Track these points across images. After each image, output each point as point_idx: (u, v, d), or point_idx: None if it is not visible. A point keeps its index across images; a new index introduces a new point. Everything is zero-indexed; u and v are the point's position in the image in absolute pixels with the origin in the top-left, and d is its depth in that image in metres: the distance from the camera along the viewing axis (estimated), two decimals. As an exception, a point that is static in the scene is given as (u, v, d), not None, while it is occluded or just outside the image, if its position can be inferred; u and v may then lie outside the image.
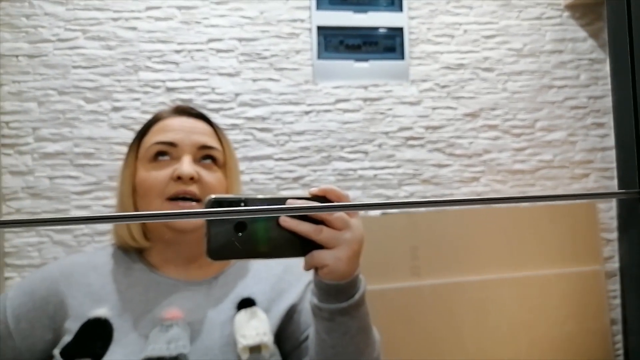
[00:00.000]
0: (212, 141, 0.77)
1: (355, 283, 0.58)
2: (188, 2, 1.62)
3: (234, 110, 1.63)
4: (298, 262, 0.56)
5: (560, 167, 1.80)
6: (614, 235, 1.80)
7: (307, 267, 0.56)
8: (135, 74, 1.59)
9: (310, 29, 1.68)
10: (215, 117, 1.57)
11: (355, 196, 1.66)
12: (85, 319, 0.66)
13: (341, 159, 1.67)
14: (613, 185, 1.82)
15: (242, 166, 1.61)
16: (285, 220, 0.52)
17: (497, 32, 1.79)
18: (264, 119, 1.64)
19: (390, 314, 1.57)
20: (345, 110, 1.69)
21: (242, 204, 0.51)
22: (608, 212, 1.80)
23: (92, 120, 1.56)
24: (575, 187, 1.81)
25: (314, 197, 0.55)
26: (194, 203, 0.70)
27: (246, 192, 1.60)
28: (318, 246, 0.54)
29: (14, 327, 0.67)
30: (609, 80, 1.95)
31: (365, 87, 1.71)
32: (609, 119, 1.83)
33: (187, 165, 0.71)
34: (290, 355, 0.72)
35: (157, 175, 0.71)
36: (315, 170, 1.66)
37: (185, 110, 0.79)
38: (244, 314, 0.69)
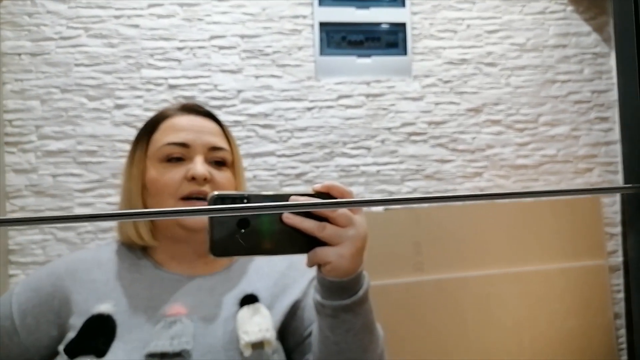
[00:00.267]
0: (222, 142, 0.77)
1: (359, 280, 0.58)
2: (190, -2, 1.62)
3: (236, 107, 1.63)
4: (301, 258, 0.56)
5: (564, 162, 1.79)
6: (618, 229, 1.80)
7: (310, 264, 0.56)
8: (137, 71, 1.58)
9: (312, 25, 1.68)
10: (217, 114, 1.57)
11: (358, 192, 1.66)
12: (89, 315, 0.67)
13: (344, 155, 1.67)
14: (617, 179, 1.81)
15: (245, 163, 1.61)
16: (289, 217, 0.52)
17: (500, 27, 1.78)
18: (266, 115, 1.64)
19: (393, 310, 1.58)
20: (348, 106, 1.69)
21: (245, 201, 0.51)
22: (612, 206, 1.80)
23: (94, 118, 1.56)
24: (579, 182, 1.80)
25: (317, 194, 0.55)
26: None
27: (249, 188, 1.60)
28: (321, 243, 0.54)
29: (19, 322, 0.67)
30: (612, 74, 1.94)
31: (368, 83, 1.70)
32: (612, 113, 1.83)
33: (200, 166, 0.72)
34: (294, 351, 0.72)
35: (171, 175, 0.72)
36: (318, 167, 1.65)
37: (193, 108, 0.79)
38: (246, 310, 0.69)
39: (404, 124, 1.71)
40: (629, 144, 0.35)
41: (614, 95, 1.84)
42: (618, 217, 1.80)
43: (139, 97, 1.58)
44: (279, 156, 1.64)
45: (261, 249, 0.52)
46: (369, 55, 1.71)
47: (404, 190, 1.70)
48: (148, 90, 1.58)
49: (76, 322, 0.67)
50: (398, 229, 1.62)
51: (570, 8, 1.83)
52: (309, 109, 1.66)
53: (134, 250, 0.77)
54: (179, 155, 0.73)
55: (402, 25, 1.72)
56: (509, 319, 1.64)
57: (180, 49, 1.61)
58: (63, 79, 1.55)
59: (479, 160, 1.74)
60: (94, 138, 1.55)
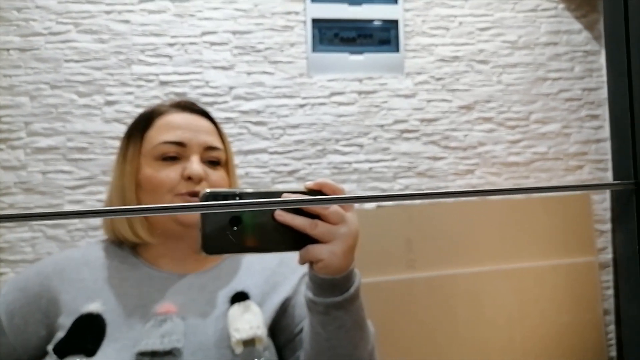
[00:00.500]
0: (216, 142, 0.78)
1: (350, 277, 0.58)
2: (181, -6, 1.61)
3: (228, 103, 1.62)
4: (292, 255, 0.55)
5: (555, 159, 1.80)
6: (608, 226, 1.81)
7: (302, 262, 0.56)
8: (128, 67, 1.57)
9: (304, 22, 1.67)
10: (210, 112, 1.57)
11: (351, 189, 1.66)
12: (78, 314, 0.66)
13: (336, 152, 1.67)
14: (607, 177, 1.83)
15: (237, 160, 1.60)
16: (281, 215, 0.52)
17: (492, 25, 1.79)
18: (258, 112, 1.63)
19: (385, 307, 1.58)
20: (340, 103, 1.68)
21: (237, 198, 0.50)
22: (602, 203, 1.81)
23: (85, 114, 1.54)
24: (570, 179, 1.82)
25: (310, 191, 0.55)
26: None
27: (241, 186, 1.59)
28: (313, 240, 0.54)
29: (7, 323, 0.67)
30: (603, 72, 1.96)
31: (360, 80, 1.70)
32: (603, 111, 1.84)
33: (196, 166, 0.72)
34: (285, 348, 0.72)
35: (167, 174, 0.72)
36: (310, 164, 1.65)
37: (187, 106, 0.79)
38: (237, 307, 0.69)
39: (396, 121, 1.71)
40: (618, 141, 0.35)
41: (604, 93, 1.85)
42: (608, 214, 1.81)
43: (130, 93, 1.57)
44: (271, 153, 1.63)
45: (253, 247, 0.52)
46: (361, 52, 1.71)
47: (396, 187, 1.70)
48: (139, 86, 1.57)
49: (65, 322, 0.66)
50: (390, 227, 1.63)
51: (561, 6, 1.84)
52: (301, 106, 1.66)
53: (122, 248, 0.76)
54: (174, 154, 0.73)
55: (395, 22, 1.72)
56: (500, 315, 1.65)
57: (171, 45, 1.60)
58: (53, 75, 1.53)
59: (471, 157, 1.75)
60: (84, 135, 1.54)
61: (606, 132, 1.83)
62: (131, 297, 0.70)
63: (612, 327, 1.77)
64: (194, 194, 0.71)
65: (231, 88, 1.62)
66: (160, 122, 0.76)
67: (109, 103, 1.56)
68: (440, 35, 1.76)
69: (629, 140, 0.34)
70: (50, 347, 0.65)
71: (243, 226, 0.50)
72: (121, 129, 1.51)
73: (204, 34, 1.62)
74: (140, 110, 0.80)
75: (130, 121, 0.80)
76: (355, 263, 0.59)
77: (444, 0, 1.76)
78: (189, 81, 1.60)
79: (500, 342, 1.65)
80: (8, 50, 1.52)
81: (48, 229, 1.51)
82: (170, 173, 0.72)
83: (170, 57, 1.60)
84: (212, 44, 1.62)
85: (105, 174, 1.53)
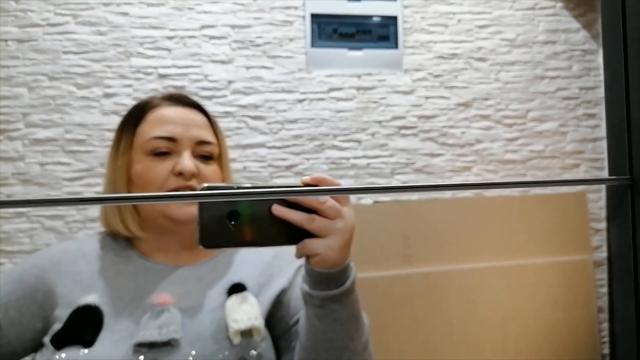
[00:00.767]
0: (209, 136, 0.77)
1: (346, 271, 0.59)
2: (180, -13, 1.61)
3: (226, 97, 1.62)
4: (287, 247, 0.56)
5: (552, 157, 1.81)
6: (603, 225, 1.83)
7: (299, 255, 0.56)
8: (127, 60, 1.57)
9: (304, 17, 1.67)
10: (208, 105, 1.57)
11: (348, 185, 1.67)
12: (75, 306, 0.66)
13: (334, 147, 1.67)
14: (603, 175, 1.84)
15: (235, 154, 1.61)
16: (278, 209, 0.52)
17: (490, 22, 1.79)
18: (257, 106, 1.63)
19: (381, 302, 1.59)
20: (339, 99, 1.69)
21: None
22: (597, 202, 1.82)
23: (83, 106, 1.54)
24: (566, 177, 1.83)
25: (307, 186, 0.55)
26: None
27: (239, 180, 1.60)
28: (310, 235, 0.54)
29: (2, 315, 0.67)
30: (601, 71, 1.97)
31: (359, 76, 1.70)
32: (600, 110, 1.85)
33: (188, 161, 0.71)
34: (280, 339, 0.73)
35: (158, 169, 0.72)
36: (308, 159, 1.66)
37: (180, 99, 0.78)
38: (234, 299, 0.69)
39: (395, 118, 1.71)
40: (614, 138, 0.36)
41: (601, 92, 1.86)
42: (603, 213, 1.83)
43: (128, 86, 1.57)
44: (269, 148, 1.64)
45: (250, 241, 0.53)
46: (360, 48, 1.71)
47: (393, 184, 1.71)
48: (137, 79, 1.57)
49: (62, 314, 0.66)
50: (387, 222, 1.63)
51: (560, 5, 1.84)
52: (300, 101, 1.66)
53: (118, 241, 0.76)
54: (165, 149, 0.73)
55: (394, 19, 1.72)
56: (495, 311, 1.67)
57: (170, 38, 1.60)
58: (51, 67, 1.53)
59: (468, 154, 1.76)
60: (82, 127, 1.54)
61: (603, 131, 1.84)
62: (127, 289, 0.70)
63: (605, 325, 1.79)
64: (185, 190, 0.71)
65: (230, 82, 1.62)
66: (152, 116, 0.75)
67: (108, 95, 1.56)
68: (439, 32, 1.76)
69: (624, 137, 0.34)
70: (47, 339, 0.66)
71: (240, 220, 0.51)
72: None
73: (203, 27, 1.62)
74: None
75: None
76: (352, 257, 0.59)
77: (444, -3, 1.76)
78: (187, 75, 1.60)
79: (495, 338, 1.66)
80: (6, 41, 1.52)
81: (46, 220, 1.51)
82: (161, 169, 0.71)
83: (169, 50, 1.59)
84: (211, 37, 1.62)
85: (103, 167, 1.53)
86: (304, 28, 1.67)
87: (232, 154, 1.59)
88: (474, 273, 1.66)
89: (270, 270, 0.76)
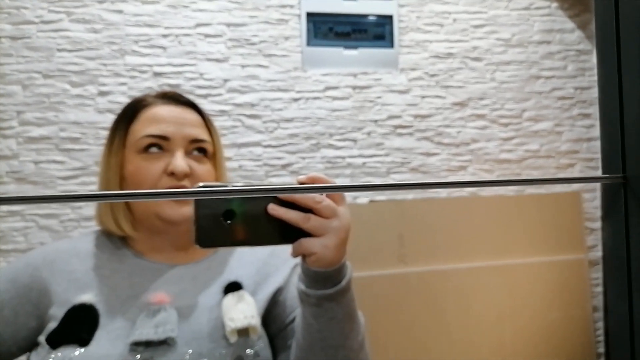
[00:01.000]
0: (203, 134, 0.76)
1: (342, 270, 0.59)
2: (176, -15, 1.60)
3: (222, 96, 1.62)
4: (283, 246, 0.56)
5: (547, 157, 1.82)
6: (598, 224, 1.84)
7: (295, 255, 0.56)
8: (121, 58, 1.56)
9: (299, 15, 1.67)
10: (203, 103, 1.56)
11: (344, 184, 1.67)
12: (70, 305, 0.66)
13: (330, 146, 1.67)
14: (598, 175, 1.85)
15: (231, 153, 1.60)
16: (274, 209, 0.52)
17: (486, 22, 1.80)
18: (252, 105, 1.63)
19: (377, 301, 1.59)
20: (335, 98, 1.69)
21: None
22: (592, 201, 1.83)
23: (77, 104, 1.53)
24: (560, 176, 1.83)
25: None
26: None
27: (235, 179, 1.59)
28: (306, 234, 0.54)
29: None
30: (595, 71, 1.98)
31: (355, 75, 1.70)
32: (594, 110, 1.86)
33: (180, 161, 0.71)
34: (276, 337, 0.73)
35: (150, 169, 0.71)
36: (303, 158, 1.66)
37: (173, 98, 0.77)
38: (231, 297, 0.69)
39: (390, 117, 1.72)
40: (607, 136, 0.36)
41: (596, 92, 1.87)
42: (598, 212, 1.83)
43: (123, 84, 1.56)
44: (265, 147, 1.63)
45: (246, 240, 0.53)
46: (355, 47, 1.71)
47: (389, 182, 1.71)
48: (132, 77, 1.57)
49: (57, 313, 0.66)
50: (382, 221, 1.64)
51: (555, 5, 1.85)
52: (296, 99, 1.66)
53: (113, 239, 0.76)
54: (158, 148, 0.72)
55: (389, 18, 1.72)
56: (490, 310, 1.67)
57: (165, 36, 1.59)
58: (45, 64, 1.52)
59: (464, 154, 1.76)
60: (76, 125, 1.53)
61: (597, 130, 1.85)
62: (123, 287, 0.70)
63: (600, 324, 1.80)
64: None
65: (225, 80, 1.62)
66: (145, 115, 0.74)
67: (102, 93, 1.55)
68: (435, 31, 1.76)
69: (617, 136, 0.35)
70: (42, 338, 0.65)
71: (236, 220, 0.51)
72: (114, 120, 1.51)
73: (198, 25, 1.61)
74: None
75: None
76: (347, 256, 0.60)
77: (440, -3, 1.77)
78: (182, 73, 1.59)
79: (490, 336, 1.67)
80: (0, 38, 1.51)
81: (40, 219, 1.50)
82: (153, 168, 0.71)
83: (164, 48, 1.59)
84: (207, 35, 1.62)
85: (97, 165, 1.52)
86: (300, 27, 1.67)
87: (227, 152, 1.58)
88: (470, 272, 1.67)
89: (266, 269, 0.76)
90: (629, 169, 0.34)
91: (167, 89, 1.56)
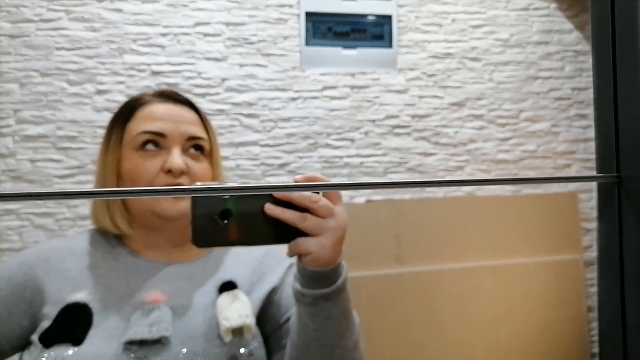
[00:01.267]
0: (199, 131, 0.76)
1: (338, 269, 0.59)
2: (174, -16, 1.60)
3: (220, 95, 1.62)
4: (278, 246, 0.56)
5: (543, 157, 1.82)
6: (594, 224, 1.84)
7: (292, 254, 0.56)
8: (120, 56, 1.56)
9: (298, 15, 1.67)
10: (201, 102, 1.56)
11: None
12: (63, 304, 0.66)
13: (327, 146, 1.67)
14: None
15: (228, 152, 1.60)
16: (270, 208, 0.52)
17: (484, 22, 1.80)
18: (250, 104, 1.63)
19: (374, 300, 1.59)
20: (333, 98, 1.69)
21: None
22: (588, 202, 1.84)
23: (75, 103, 1.53)
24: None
25: None
26: None
27: (232, 178, 1.59)
28: (302, 233, 0.55)
29: None
30: (593, 72, 1.99)
31: (353, 75, 1.70)
32: (592, 111, 1.86)
33: (177, 158, 0.71)
34: (271, 337, 0.73)
35: (147, 166, 0.71)
36: (301, 157, 1.66)
37: (170, 96, 0.77)
38: (226, 296, 0.69)
39: (388, 117, 1.72)
40: (602, 136, 0.36)
41: (593, 93, 1.87)
42: (594, 213, 1.84)
43: (121, 82, 1.56)
44: (263, 146, 1.63)
45: (243, 240, 0.53)
46: (354, 47, 1.71)
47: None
48: (130, 76, 1.56)
49: (50, 312, 0.66)
50: (379, 221, 1.64)
51: (553, 5, 1.85)
52: (294, 99, 1.66)
53: (108, 238, 0.76)
54: (155, 145, 0.72)
55: (388, 18, 1.72)
56: (486, 310, 1.67)
57: (164, 35, 1.59)
58: (43, 63, 1.52)
59: (461, 154, 1.76)
60: (74, 123, 1.53)
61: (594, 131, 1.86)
62: (118, 286, 0.70)
63: (595, 324, 1.80)
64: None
65: (223, 80, 1.62)
66: (141, 113, 0.74)
67: (100, 92, 1.55)
68: (433, 31, 1.76)
69: (612, 136, 0.35)
70: (35, 337, 0.65)
71: (233, 219, 0.51)
72: (112, 119, 1.50)
73: (197, 24, 1.61)
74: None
75: None
76: (343, 256, 0.60)
77: (438, -3, 1.77)
78: (181, 72, 1.59)
79: (485, 336, 1.67)
80: (-3, 36, 1.50)
81: (36, 217, 1.50)
82: (150, 166, 0.71)
83: (162, 47, 1.59)
84: (205, 35, 1.61)
85: (94, 164, 1.52)
86: (299, 26, 1.67)
87: (225, 151, 1.58)
88: (466, 272, 1.67)
89: (262, 268, 0.76)
90: (623, 169, 0.34)
91: (164, 87, 1.55)
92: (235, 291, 0.70)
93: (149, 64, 1.58)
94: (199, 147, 0.75)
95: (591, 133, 1.85)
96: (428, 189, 1.70)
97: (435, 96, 1.75)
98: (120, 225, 0.73)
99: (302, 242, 0.55)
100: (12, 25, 1.51)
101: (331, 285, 0.58)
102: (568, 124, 1.84)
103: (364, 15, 1.71)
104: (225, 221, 0.51)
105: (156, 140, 0.72)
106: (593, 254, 1.83)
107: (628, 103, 0.34)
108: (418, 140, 1.73)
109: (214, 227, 0.50)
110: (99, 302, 0.67)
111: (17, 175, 1.49)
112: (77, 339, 0.63)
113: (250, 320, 0.67)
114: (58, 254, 0.73)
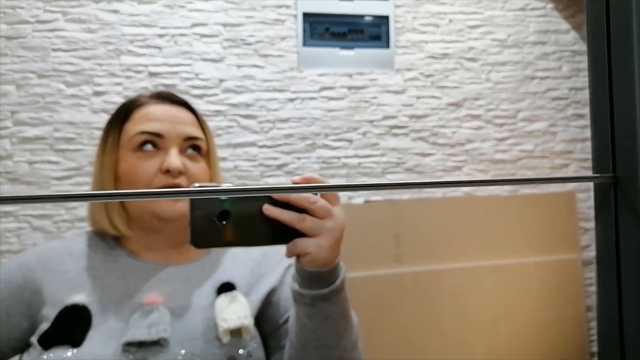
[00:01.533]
0: (196, 131, 0.76)
1: (336, 270, 0.59)
2: (171, -15, 1.60)
3: (217, 96, 1.62)
4: (277, 247, 0.56)
5: (541, 157, 1.83)
6: (592, 224, 1.84)
7: (290, 255, 0.56)
8: (117, 58, 1.56)
9: (295, 16, 1.67)
10: (199, 103, 1.56)
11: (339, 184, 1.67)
12: (62, 305, 0.66)
13: (325, 146, 1.68)
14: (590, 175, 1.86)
15: (226, 153, 1.60)
16: (269, 209, 0.53)
17: (481, 23, 1.80)
18: (248, 105, 1.63)
19: (373, 301, 1.59)
20: (330, 98, 1.69)
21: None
22: (586, 201, 1.84)
23: (72, 104, 1.53)
24: (553, 176, 1.84)
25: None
26: None
27: (230, 179, 1.59)
28: (301, 234, 0.55)
29: None
30: (590, 72, 2.00)
31: (350, 75, 1.70)
32: (588, 111, 1.86)
33: (175, 158, 0.71)
34: (270, 337, 0.73)
35: (144, 167, 0.71)
36: (299, 158, 1.66)
37: (167, 97, 0.78)
38: (224, 298, 0.69)
39: (386, 117, 1.72)
40: (598, 136, 0.36)
41: (590, 92, 1.88)
42: (592, 212, 1.84)
43: (119, 84, 1.56)
44: (260, 147, 1.63)
45: (241, 241, 0.53)
46: (351, 48, 1.71)
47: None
48: (128, 77, 1.56)
49: (49, 313, 0.66)
50: (378, 221, 1.64)
51: (550, 6, 1.85)
52: (291, 100, 1.66)
53: (106, 240, 0.76)
54: (152, 146, 0.72)
55: (386, 18, 1.73)
56: (485, 310, 1.68)
57: (161, 36, 1.59)
58: (40, 64, 1.52)
59: (459, 154, 1.76)
60: (71, 125, 1.53)
61: (592, 131, 1.86)
62: (116, 288, 0.70)
63: (594, 324, 1.81)
64: (172, 187, 0.70)
65: (221, 81, 1.62)
66: (138, 114, 0.75)
67: (97, 93, 1.54)
68: (431, 32, 1.76)
69: (608, 136, 0.35)
70: (34, 339, 0.65)
71: (231, 220, 0.51)
72: (109, 120, 1.50)
73: (194, 25, 1.61)
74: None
75: None
76: (342, 256, 0.60)
77: (435, -3, 1.77)
78: (178, 73, 1.59)
79: (485, 336, 1.67)
80: (-6, 38, 1.50)
81: (34, 219, 1.50)
82: (148, 166, 0.71)
83: (159, 48, 1.59)
84: (202, 36, 1.61)
85: (92, 165, 1.52)
86: (296, 27, 1.67)
87: (222, 152, 1.58)
88: (465, 272, 1.67)
89: (260, 269, 0.76)
90: (619, 169, 0.34)
91: (162, 89, 1.55)
92: (234, 292, 0.70)
93: (146, 65, 1.58)
94: (196, 148, 0.75)
95: (588, 133, 1.85)
96: (426, 189, 1.70)
97: (432, 96, 1.75)
98: (119, 227, 0.73)
99: (301, 243, 0.55)
100: (8, 27, 1.51)
101: (329, 286, 0.58)
102: (565, 124, 1.85)
103: (361, 16, 1.72)
104: (224, 222, 0.51)
105: (154, 141, 0.72)
106: (591, 253, 1.83)
107: (624, 104, 0.34)
108: (416, 141, 1.74)
109: (212, 228, 0.51)
110: (97, 303, 0.67)
111: (15, 177, 1.49)
112: (76, 341, 0.63)
113: (248, 321, 0.67)
114: (56, 256, 0.73)
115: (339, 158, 1.68)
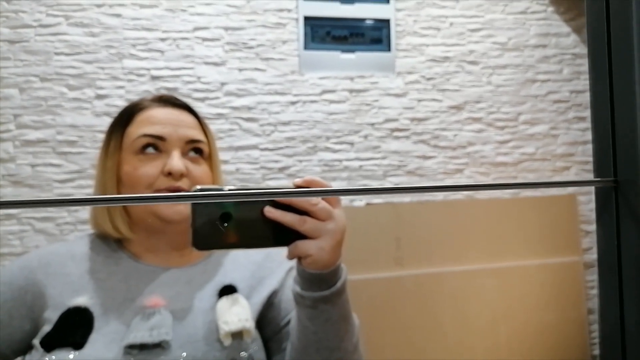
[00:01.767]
0: (198, 134, 0.77)
1: (337, 272, 0.59)
2: (173, -11, 1.60)
3: (219, 99, 1.62)
4: (278, 249, 0.56)
5: (542, 160, 1.83)
6: (593, 227, 1.84)
7: (291, 257, 0.56)
8: (119, 61, 1.57)
9: (297, 19, 1.68)
10: (200, 107, 1.57)
11: (341, 187, 1.67)
12: (64, 308, 0.66)
13: (327, 149, 1.68)
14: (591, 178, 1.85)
15: (228, 156, 1.60)
16: (270, 211, 0.53)
17: (482, 26, 1.80)
18: (249, 108, 1.64)
19: (373, 303, 1.59)
20: (331, 101, 1.69)
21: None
22: (588, 204, 1.84)
23: (75, 107, 1.54)
24: (556, 180, 1.84)
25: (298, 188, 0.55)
26: None
27: (232, 182, 1.59)
28: (302, 236, 0.55)
29: None
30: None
31: (352, 79, 1.71)
32: (590, 114, 1.86)
33: (177, 161, 0.71)
34: (271, 340, 0.73)
35: (147, 170, 0.71)
36: (300, 161, 1.66)
37: (169, 101, 0.78)
38: (225, 300, 0.69)
39: (387, 120, 1.72)
40: (599, 140, 0.36)
41: (591, 95, 1.88)
42: (593, 215, 1.84)
43: (121, 87, 1.56)
44: (262, 150, 1.64)
45: (243, 243, 0.53)
46: (353, 51, 1.71)
47: (385, 186, 1.71)
48: (130, 80, 1.57)
49: (51, 316, 0.66)
50: (378, 224, 1.64)
51: (550, 9, 1.86)
52: (293, 103, 1.66)
53: (108, 242, 0.76)
54: (154, 148, 0.72)
55: (387, 22, 1.73)
56: (486, 313, 1.67)
57: (163, 39, 1.59)
58: (43, 68, 1.52)
59: (460, 157, 1.77)
60: (74, 128, 1.53)
61: (593, 134, 1.86)
62: (118, 290, 0.70)
63: (595, 326, 1.80)
64: (174, 190, 0.70)
65: (223, 84, 1.62)
66: (141, 117, 0.75)
67: (100, 97, 1.55)
68: (432, 35, 1.77)
69: (609, 140, 0.35)
70: (36, 341, 0.65)
71: (233, 222, 0.51)
72: (111, 123, 1.51)
73: (196, 29, 1.62)
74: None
75: None
76: (343, 259, 0.60)
77: (435, 1, 1.77)
78: (180, 76, 1.60)
79: (486, 339, 1.67)
80: (-3, 41, 1.51)
81: (37, 222, 1.50)
82: (150, 169, 0.71)
83: (161, 52, 1.59)
84: (204, 39, 1.62)
85: (94, 168, 1.52)
86: (297, 30, 1.68)
87: (224, 155, 1.59)
88: (465, 275, 1.67)
89: (261, 271, 0.76)
90: (620, 173, 0.35)
91: (164, 92, 1.56)
92: (235, 295, 0.70)
93: (148, 69, 1.58)
94: (198, 150, 0.76)
95: (589, 135, 1.85)
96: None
97: (433, 99, 1.76)
98: (121, 229, 0.73)
99: (302, 245, 0.55)
100: (11, 31, 1.51)
101: (330, 288, 0.59)
102: (567, 127, 1.85)
103: (362, 20, 1.72)
104: (226, 224, 0.51)
105: (156, 144, 0.72)
106: (593, 256, 1.83)
107: (624, 107, 0.34)
108: (417, 144, 1.74)
109: (214, 231, 0.51)
110: (99, 306, 0.67)
111: (17, 180, 1.50)
112: (78, 343, 0.63)
113: (249, 324, 0.68)
114: (59, 259, 0.73)
115: (340, 161, 1.69)
